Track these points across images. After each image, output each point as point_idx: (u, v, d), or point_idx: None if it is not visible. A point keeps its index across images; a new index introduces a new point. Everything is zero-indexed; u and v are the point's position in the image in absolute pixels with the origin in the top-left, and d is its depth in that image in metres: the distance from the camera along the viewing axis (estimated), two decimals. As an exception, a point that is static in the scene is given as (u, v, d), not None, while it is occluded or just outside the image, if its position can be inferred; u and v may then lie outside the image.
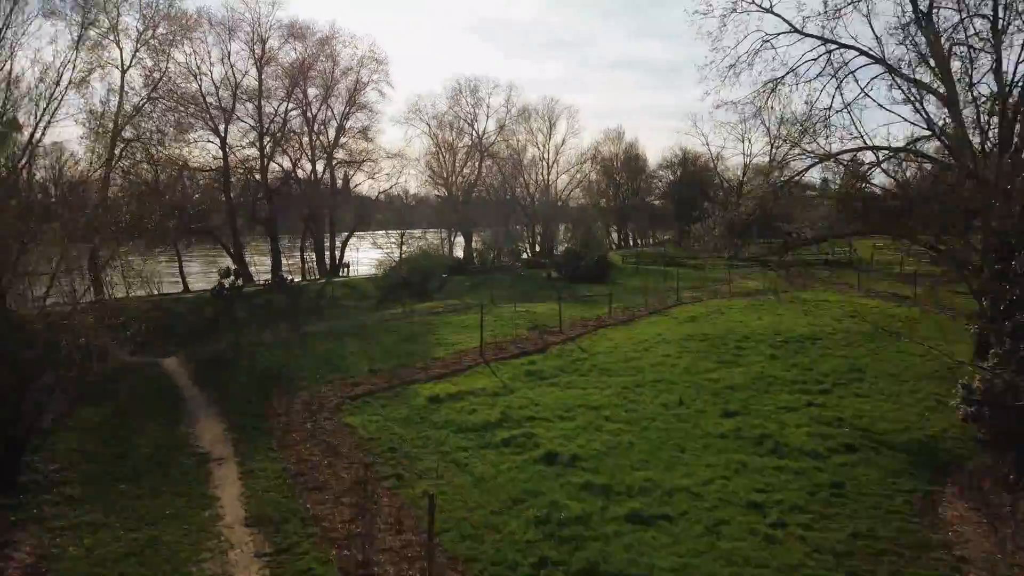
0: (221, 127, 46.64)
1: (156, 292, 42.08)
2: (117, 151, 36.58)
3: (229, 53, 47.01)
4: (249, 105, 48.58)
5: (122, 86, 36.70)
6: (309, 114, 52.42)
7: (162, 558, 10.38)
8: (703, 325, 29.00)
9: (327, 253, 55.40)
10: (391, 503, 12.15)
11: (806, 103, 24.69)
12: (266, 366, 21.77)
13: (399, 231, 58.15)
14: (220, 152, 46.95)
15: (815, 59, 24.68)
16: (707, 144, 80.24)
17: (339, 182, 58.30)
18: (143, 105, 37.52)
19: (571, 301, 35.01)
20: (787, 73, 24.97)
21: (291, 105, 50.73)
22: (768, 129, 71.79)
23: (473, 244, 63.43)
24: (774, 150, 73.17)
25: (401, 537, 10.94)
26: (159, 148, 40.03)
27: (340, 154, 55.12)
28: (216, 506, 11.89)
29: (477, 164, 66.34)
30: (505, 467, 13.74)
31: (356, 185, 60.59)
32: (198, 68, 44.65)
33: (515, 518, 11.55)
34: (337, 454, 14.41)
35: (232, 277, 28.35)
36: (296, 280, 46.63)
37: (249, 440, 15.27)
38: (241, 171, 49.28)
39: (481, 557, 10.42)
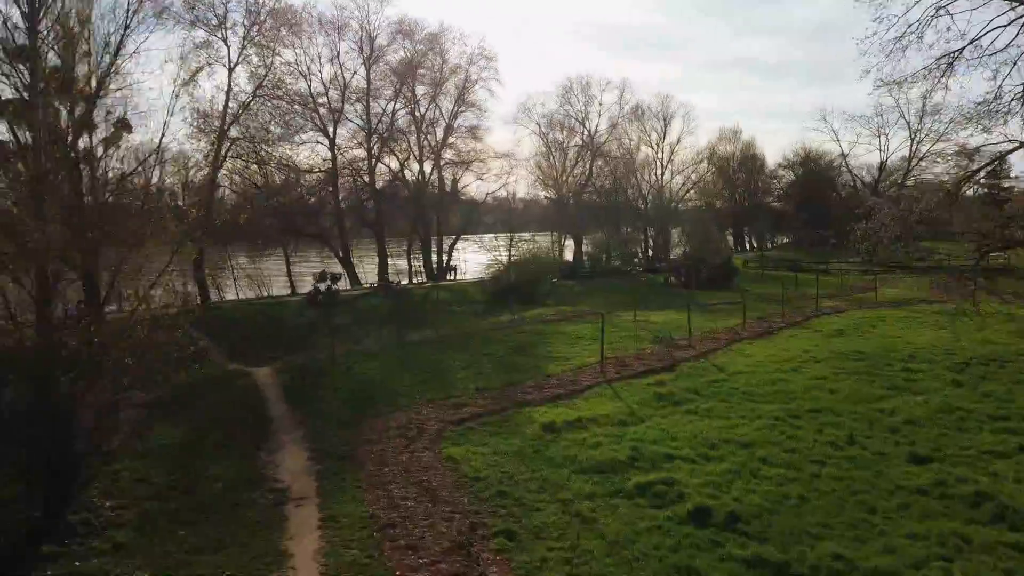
0: (330, 128, 46.04)
1: (266, 294, 41.74)
2: (223, 150, 36.00)
3: (339, 53, 46.43)
4: (358, 105, 47.86)
5: (229, 84, 36.12)
6: (417, 113, 51.26)
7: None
8: (855, 340, 25.08)
9: (434, 256, 53.96)
10: (500, 573, 9.49)
11: (992, 79, 20.84)
12: (362, 380, 19.71)
13: (507, 234, 56.14)
14: (328, 153, 46.42)
15: (1005, 26, 20.76)
16: (837, 140, 74.02)
17: (447, 183, 56.87)
18: (249, 102, 36.76)
19: (695, 309, 31.58)
20: (967, 45, 21.09)
21: (399, 104, 49.86)
22: (908, 123, 66.22)
23: (583, 247, 60.61)
24: (915, 144, 67.16)
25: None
26: (266, 148, 39.41)
27: (448, 154, 53.80)
28: (287, 567, 9.58)
29: (588, 164, 63.65)
30: (644, 526, 10.80)
31: (464, 186, 59.01)
32: (307, 68, 44.17)
33: (666, 611, 8.66)
34: (436, 498, 11.88)
35: (328, 282, 26.59)
36: (403, 283, 45.33)
37: (335, 474, 13.02)
38: (348, 172, 48.47)
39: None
